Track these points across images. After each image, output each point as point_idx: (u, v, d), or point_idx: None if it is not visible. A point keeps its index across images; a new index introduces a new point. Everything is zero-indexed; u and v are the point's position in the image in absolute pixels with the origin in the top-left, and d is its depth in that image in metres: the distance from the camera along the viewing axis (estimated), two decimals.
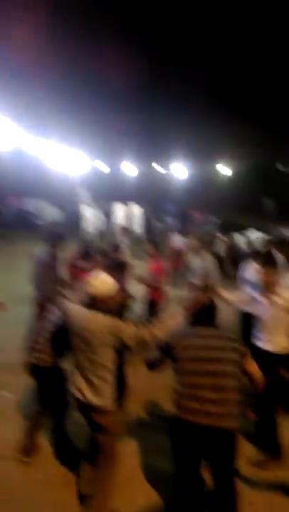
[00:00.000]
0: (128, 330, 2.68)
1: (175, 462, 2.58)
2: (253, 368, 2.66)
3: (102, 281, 2.80)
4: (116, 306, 2.90)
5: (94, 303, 2.76)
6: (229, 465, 2.52)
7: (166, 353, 2.67)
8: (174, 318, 2.86)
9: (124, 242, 9.77)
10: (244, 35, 20.21)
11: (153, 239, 6.92)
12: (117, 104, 22.09)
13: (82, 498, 2.93)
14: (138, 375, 4.03)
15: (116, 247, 6.90)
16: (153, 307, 5.60)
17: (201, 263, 6.23)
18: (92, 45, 17.16)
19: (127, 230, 11.16)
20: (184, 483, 2.57)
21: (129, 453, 3.43)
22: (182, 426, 2.49)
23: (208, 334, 2.64)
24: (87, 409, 2.74)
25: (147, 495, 3.11)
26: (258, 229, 13.94)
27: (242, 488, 2.77)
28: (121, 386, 2.92)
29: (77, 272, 5.32)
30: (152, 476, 3.29)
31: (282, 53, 19.38)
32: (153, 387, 4.37)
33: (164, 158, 17.71)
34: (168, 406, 3.19)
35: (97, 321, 2.69)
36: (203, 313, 2.74)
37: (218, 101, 22.68)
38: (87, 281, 2.87)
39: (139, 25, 19.77)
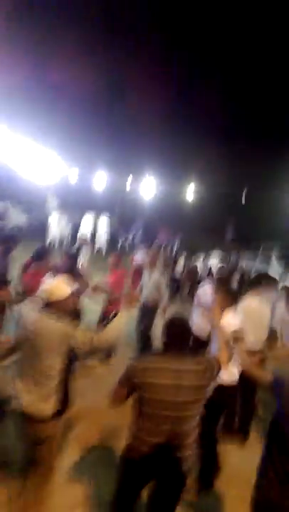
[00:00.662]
0: (79, 335, 2.64)
1: (118, 488, 2.54)
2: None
3: (55, 285, 2.82)
4: (70, 310, 2.89)
5: (47, 306, 2.76)
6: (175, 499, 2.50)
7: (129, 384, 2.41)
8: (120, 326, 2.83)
9: (83, 252, 9.81)
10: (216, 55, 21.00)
11: (117, 252, 7.05)
12: (93, 113, 22.29)
13: None
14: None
15: (73, 255, 6.89)
16: (108, 318, 5.63)
17: (151, 278, 6.35)
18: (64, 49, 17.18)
19: (87, 241, 11.20)
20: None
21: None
22: (135, 459, 2.40)
23: (179, 369, 2.30)
24: (26, 418, 2.68)
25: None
26: (219, 254, 14.32)
27: None
28: (65, 396, 2.86)
29: (32, 275, 5.28)
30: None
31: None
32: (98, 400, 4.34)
33: (136, 173, 17.97)
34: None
35: (49, 325, 2.66)
36: (176, 339, 2.40)
37: (195, 125, 23.39)
38: (41, 284, 2.87)
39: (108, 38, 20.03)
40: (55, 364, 2.66)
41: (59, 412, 2.73)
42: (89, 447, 3.98)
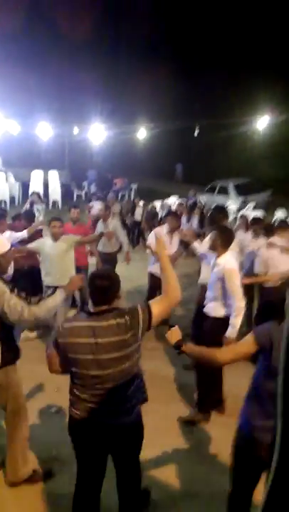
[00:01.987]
0: (10, 299, 2.54)
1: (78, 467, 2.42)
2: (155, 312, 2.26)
3: None
4: (4, 268, 2.81)
5: None
6: (130, 458, 2.41)
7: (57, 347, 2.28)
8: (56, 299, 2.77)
9: (38, 210, 9.33)
10: None
11: (73, 205, 6.69)
12: (32, 57, 20.57)
13: None
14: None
15: (28, 213, 6.56)
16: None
17: (105, 228, 6.16)
18: None
19: (41, 197, 10.66)
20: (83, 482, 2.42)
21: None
22: (76, 421, 2.29)
23: (99, 326, 2.16)
24: None
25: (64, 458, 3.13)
26: (174, 194, 14.16)
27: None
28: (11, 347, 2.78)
29: None
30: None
31: None
32: None
33: (83, 120, 16.93)
34: None
35: None
36: (98, 293, 2.25)
37: (140, 55, 22.13)
38: None
39: None
40: None
41: (9, 361, 2.73)
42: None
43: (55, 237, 4.80)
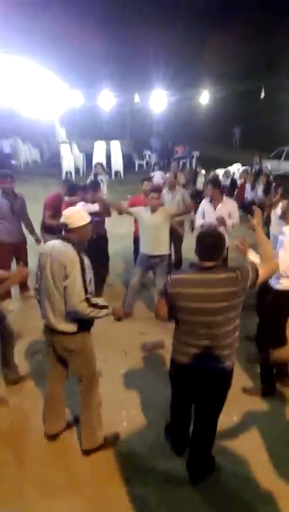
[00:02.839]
0: (76, 283, 2.63)
1: (171, 397, 2.79)
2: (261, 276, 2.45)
3: (74, 211, 2.85)
4: (85, 240, 2.88)
5: (66, 233, 2.79)
6: (216, 406, 2.62)
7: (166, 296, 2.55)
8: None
9: (102, 181, 9.49)
10: None
11: (146, 177, 6.58)
12: (94, 27, 20.37)
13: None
14: None
15: (95, 185, 6.64)
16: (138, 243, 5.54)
17: (172, 198, 6.07)
18: None
19: (103, 167, 10.78)
20: (175, 416, 2.84)
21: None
22: (177, 364, 2.58)
23: (210, 279, 2.37)
24: (56, 333, 2.82)
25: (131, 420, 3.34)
26: (237, 161, 13.65)
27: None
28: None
29: (65, 208, 5.20)
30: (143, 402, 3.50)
31: None
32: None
33: (144, 87, 16.63)
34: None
35: (62, 251, 2.70)
36: (207, 250, 2.44)
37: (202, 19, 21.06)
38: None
39: None
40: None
41: (81, 329, 2.83)
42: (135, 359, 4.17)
43: (153, 209, 4.82)
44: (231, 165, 13.30)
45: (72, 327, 2.78)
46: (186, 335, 2.49)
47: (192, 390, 2.62)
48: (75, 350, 2.85)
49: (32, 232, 5.49)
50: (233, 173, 12.24)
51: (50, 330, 2.87)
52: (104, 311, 2.74)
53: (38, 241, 5.43)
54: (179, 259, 6.27)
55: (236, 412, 3.41)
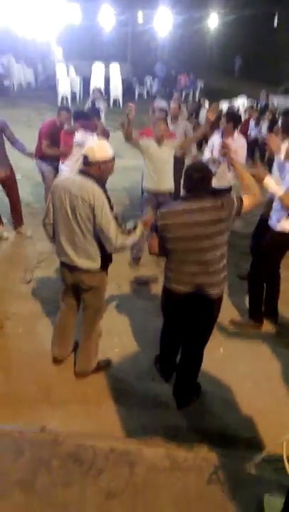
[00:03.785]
0: (109, 219, 2.58)
1: (162, 327, 2.99)
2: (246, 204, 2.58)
3: (98, 143, 2.70)
4: (107, 176, 2.77)
5: (85, 166, 2.65)
6: (204, 332, 2.77)
7: (157, 231, 2.62)
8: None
9: (100, 108, 9.02)
10: None
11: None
12: None
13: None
14: None
15: (94, 111, 6.30)
16: None
17: (175, 130, 5.81)
18: None
19: (102, 93, 10.20)
20: (164, 344, 3.04)
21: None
22: (169, 292, 2.69)
23: (196, 208, 2.45)
24: (76, 270, 2.80)
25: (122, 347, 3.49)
26: (243, 95, 12.98)
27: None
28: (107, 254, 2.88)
29: (64, 137, 4.96)
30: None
31: None
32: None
33: (149, 4, 15.19)
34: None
35: (84, 188, 2.57)
36: (194, 183, 2.51)
37: None
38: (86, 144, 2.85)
39: None
40: (89, 228, 2.64)
41: (104, 266, 2.84)
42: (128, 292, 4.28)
43: (160, 141, 4.49)
44: (236, 97, 12.66)
45: (96, 265, 2.78)
46: (176, 263, 2.60)
47: (182, 317, 2.74)
48: (95, 287, 2.88)
49: (23, 149, 5.06)
50: (238, 108, 11.69)
51: (69, 267, 2.85)
52: (138, 231, 2.80)
53: (31, 155, 5.16)
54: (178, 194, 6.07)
55: (223, 344, 3.55)
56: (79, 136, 4.80)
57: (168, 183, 4.66)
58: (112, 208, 2.62)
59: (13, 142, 4.91)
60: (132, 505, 2.09)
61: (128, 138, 4.43)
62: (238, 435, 2.73)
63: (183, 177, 2.56)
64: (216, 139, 4.94)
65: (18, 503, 2.07)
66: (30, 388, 3.01)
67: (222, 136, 4.84)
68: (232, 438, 2.70)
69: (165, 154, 4.54)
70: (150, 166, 4.59)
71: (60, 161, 5.03)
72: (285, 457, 1.87)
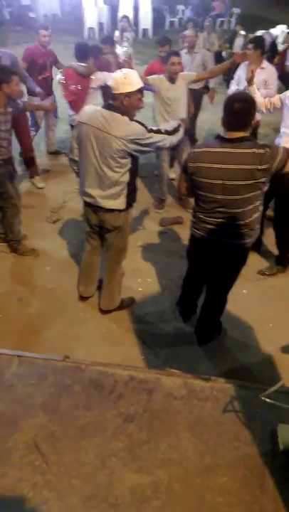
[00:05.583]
0: (150, 137, 2.54)
1: (187, 271, 2.92)
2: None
3: (124, 73, 2.50)
4: (130, 112, 2.56)
5: (112, 101, 2.53)
6: (228, 279, 2.70)
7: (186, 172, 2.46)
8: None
9: (128, 38, 8.51)
10: None
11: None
12: None
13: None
14: None
15: (109, 41, 5.86)
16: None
17: (192, 61, 5.36)
18: None
19: (130, 23, 9.51)
20: (186, 288, 3.00)
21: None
22: (196, 239, 2.60)
23: (230, 154, 2.19)
24: (100, 209, 2.79)
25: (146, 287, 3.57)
26: (284, 24, 11.84)
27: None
28: (132, 193, 2.85)
29: (73, 77, 4.46)
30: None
31: None
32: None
33: None
34: None
35: (115, 121, 2.48)
36: (235, 116, 2.19)
37: None
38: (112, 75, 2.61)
39: None
40: (117, 169, 2.59)
41: (128, 206, 2.83)
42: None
43: (174, 78, 4.07)
44: (275, 27, 11.58)
45: (120, 205, 2.76)
46: (204, 212, 2.44)
47: (207, 264, 2.69)
48: (118, 227, 2.87)
49: (33, 88, 4.88)
50: (276, 37, 10.74)
51: (93, 208, 2.83)
52: (175, 128, 2.77)
53: (40, 94, 4.91)
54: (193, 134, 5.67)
55: (247, 284, 3.54)
56: (98, 78, 4.39)
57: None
58: (146, 127, 2.51)
59: (24, 79, 4.60)
60: (148, 429, 2.23)
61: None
62: (256, 372, 2.80)
63: (222, 110, 2.24)
64: (242, 72, 4.58)
65: (41, 423, 2.25)
66: (57, 321, 3.17)
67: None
68: (250, 374, 2.78)
69: (179, 92, 4.13)
70: (161, 107, 4.23)
71: (71, 111, 4.59)
72: None
